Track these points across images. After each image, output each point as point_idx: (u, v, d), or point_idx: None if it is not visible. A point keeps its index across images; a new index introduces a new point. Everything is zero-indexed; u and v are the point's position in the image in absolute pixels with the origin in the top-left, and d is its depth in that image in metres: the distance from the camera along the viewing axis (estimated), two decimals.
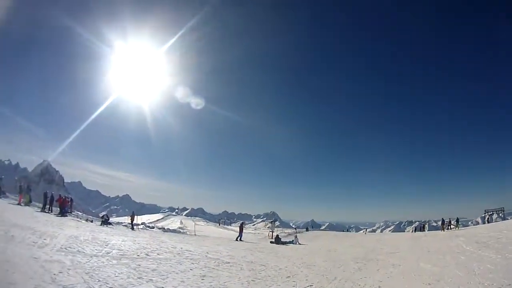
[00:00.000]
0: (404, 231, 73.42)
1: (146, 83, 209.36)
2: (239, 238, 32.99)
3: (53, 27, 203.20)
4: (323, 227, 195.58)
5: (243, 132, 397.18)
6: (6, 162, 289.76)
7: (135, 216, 34.65)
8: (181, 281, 10.92)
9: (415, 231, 57.66)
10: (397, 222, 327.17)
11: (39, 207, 30.24)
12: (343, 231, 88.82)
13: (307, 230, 59.07)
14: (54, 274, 9.43)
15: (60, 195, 32.65)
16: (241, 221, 61.95)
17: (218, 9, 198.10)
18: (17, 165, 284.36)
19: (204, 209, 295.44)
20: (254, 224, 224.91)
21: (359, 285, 12.54)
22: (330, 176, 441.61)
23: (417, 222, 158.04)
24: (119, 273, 10.67)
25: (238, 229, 39.67)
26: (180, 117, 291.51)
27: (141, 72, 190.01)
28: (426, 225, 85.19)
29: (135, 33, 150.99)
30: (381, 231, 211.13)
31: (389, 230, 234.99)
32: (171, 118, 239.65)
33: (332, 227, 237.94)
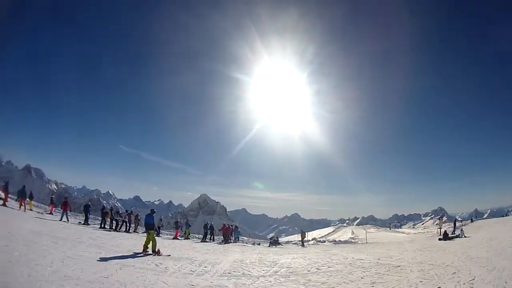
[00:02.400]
0: None
1: (292, 104, 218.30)
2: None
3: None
4: (485, 215, 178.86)
5: (399, 133, 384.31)
6: (157, 202, 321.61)
7: (305, 233, 34.37)
8: None
9: None
10: None
11: (199, 239, 30.74)
12: (502, 216, 79.23)
13: (471, 221, 57.33)
14: None
15: (224, 224, 32.90)
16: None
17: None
18: (169, 203, 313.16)
19: (375, 216, 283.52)
20: (423, 223, 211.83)
21: None
22: (488, 160, 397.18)
23: None
24: None
25: (409, 231, 36.87)
26: (331, 130, 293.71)
27: (286, 95, 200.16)
28: None
29: (275, 58, 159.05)
30: None
31: None
32: (322, 133, 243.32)
33: (493, 213, 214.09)
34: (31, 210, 27.19)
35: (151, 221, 16.26)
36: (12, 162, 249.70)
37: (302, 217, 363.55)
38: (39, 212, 27.76)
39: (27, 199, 27.36)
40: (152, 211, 16.79)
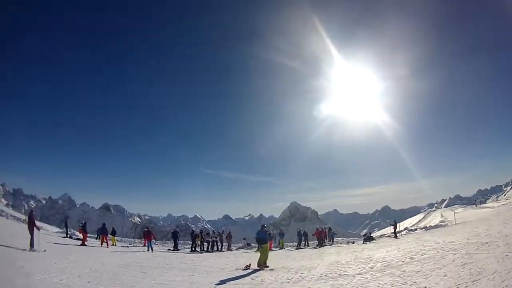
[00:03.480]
0: None
1: (369, 99, 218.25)
2: None
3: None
4: None
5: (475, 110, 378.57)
6: (247, 218, 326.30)
7: (397, 224, 34.64)
8: (444, 276, 10.33)
9: None
10: None
11: (293, 247, 30.44)
12: None
13: None
14: None
15: (317, 228, 32.54)
16: None
17: None
18: (260, 216, 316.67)
19: (460, 195, 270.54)
20: (505, 194, 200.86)
21: None
22: None
23: None
24: (382, 285, 10.21)
25: (493, 204, 34.89)
26: (406, 118, 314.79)
27: (362, 91, 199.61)
28: None
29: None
30: None
31: None
32: (398, 122, 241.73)
33: None
34: (114, 245, 27.72)
35: (264, 235, 16.59)
36: (87, 204, 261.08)
37: (392, 208, 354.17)
38: (123, 246, 28.43)
39: (109, 235, 27.99)
40: (263, 227, 17.15)
